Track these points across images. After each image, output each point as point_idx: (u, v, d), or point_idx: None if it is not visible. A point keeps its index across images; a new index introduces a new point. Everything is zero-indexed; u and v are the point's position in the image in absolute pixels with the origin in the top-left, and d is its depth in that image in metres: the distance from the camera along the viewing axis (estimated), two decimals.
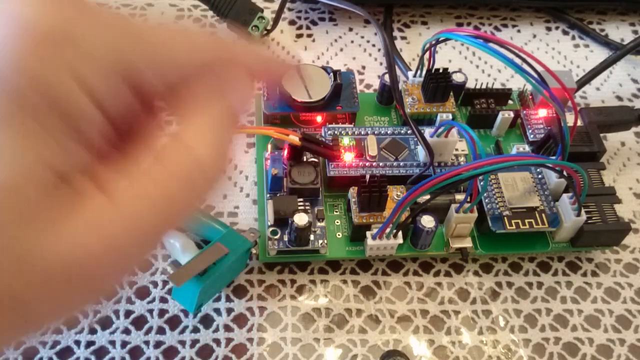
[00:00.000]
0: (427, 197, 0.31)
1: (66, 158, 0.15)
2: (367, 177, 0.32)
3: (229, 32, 0.44)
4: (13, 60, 0.15)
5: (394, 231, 0.32)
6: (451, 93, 0.37)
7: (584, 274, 0.35)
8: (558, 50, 0.46)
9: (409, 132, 0.36)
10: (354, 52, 0.44)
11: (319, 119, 0.37)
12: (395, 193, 0.33)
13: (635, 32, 0.47)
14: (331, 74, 0.37)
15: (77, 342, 0.31)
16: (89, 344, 0.31)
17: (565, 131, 0.32)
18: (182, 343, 0.32)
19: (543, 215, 0.33)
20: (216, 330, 0.32)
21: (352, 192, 0.33)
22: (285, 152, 0.34)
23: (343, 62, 0.44)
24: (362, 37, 0.45)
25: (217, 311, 0.33)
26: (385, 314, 0.33)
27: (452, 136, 0.34)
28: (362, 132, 0.35)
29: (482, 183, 0.32)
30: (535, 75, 0.29)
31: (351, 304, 0.33)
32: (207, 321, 0.32)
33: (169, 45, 0.18)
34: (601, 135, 0.37)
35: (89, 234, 0.15)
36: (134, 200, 0.16)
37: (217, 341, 0.32)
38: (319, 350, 0.32)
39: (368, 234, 0.32)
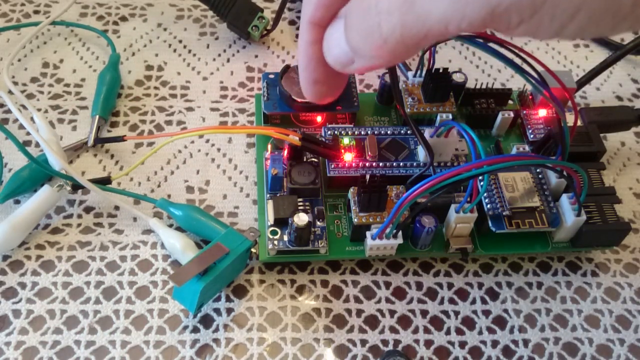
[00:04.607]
0: (427, 197, 0.31)
1: None
2: (367, 177, 0.32)
3: (228, 32, 0.44)
4: None
5: (394, 231, 0.32)
6: (451, 93, 0.37)
7: (584, 274, 0.35)
8: (558, 50, 0.46)
9: (409, 132, 0.36)
10: None
11: (319, 119, 0.37)
12: (395, 193, 0.33)
13: (635, 32, 0.47)
14: None
15: (77, 342, 0.31)
16: (89, 344, 0.31)
17: (565, 131, 0.32)
18: (182, 343, 0.32)
19: (543, 215, 0.33)
20: (216, 330, 0.32)
21: (352, 192, 0.33)
22: (285, 152, 0.34)
23: None
24: None
25: (217, 311, 0.33)
26: (385, 314, 0.33)
27: (452, 136, 0.34)
28: (362, 132, 0.35)
29: (482, 183, 0.32)
30: (535, 75, 0.29)
31: (351, 304, 0.33)
32: (207, 321, 0.32)
33: None
34: (601, 135, 0.37)
35: None
36: None
37: (217, 341, 0.32)
38: (319, 350, 0.32)
39: (368, 234, 0.32)
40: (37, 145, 0.38)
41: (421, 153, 0.35)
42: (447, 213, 0.33)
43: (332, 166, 0.34)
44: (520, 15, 0.16)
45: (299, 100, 0.36)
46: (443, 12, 0.16)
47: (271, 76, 0.38)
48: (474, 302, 0.34)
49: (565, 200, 0.33)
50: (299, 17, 0.46)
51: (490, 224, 0.33)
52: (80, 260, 0.34)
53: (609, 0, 0.15)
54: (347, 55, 0.19)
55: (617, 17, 0.16)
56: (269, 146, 0.36)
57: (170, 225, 0.35)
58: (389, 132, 0.36)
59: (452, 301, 0.34)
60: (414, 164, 0.35)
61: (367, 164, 0.34)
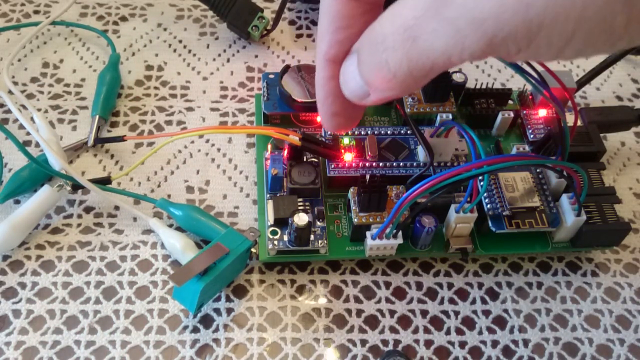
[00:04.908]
0: (427, 197, 0.31)
1: None
2: (367, 177, 0.32)
3: (228, 32, 0.44)
4: None
5: (394, 231, 0.32)
6: (451, 93, 0.37)
7: (584, 274, 0.35)
8: None
9: (409, 132, 0.36)
10: None
11: (319, 119, 0.37)
12: (395, 193, 0.33)
13: (634, 47, 0.47)
14: None
15: (77, 342, 0.31)
16: (89, 344, 0.31)
17: (565, 131, 0.32)
18: (182, 343, 0.32)
19: (543, 215, 0.33)
20: (216, 330, 0.32)
21: (352, 192, 0.33)
22: (285, 152, 0.34)
23: None
24: None
25: (217, 311, 0.33)
26: (385, 314, 0.33)
27: (452, 136, 0.34)
28: (362, 132, 0.35)
29: (482, 183, 0.32)
30: (535, 75, 0.29)
31: (351, 304, 0.33)
32: (207, 321, 0.32)
33: None
34: (601, 135, 0.37)
35: None
36: None
37: (217, 341, 0.32)
38: (319, 350, 0.32)
39: (368, 234, 0.32)
40: (37, 145, 0.38)
41: (421, 153, 0.35)
42: (447, 213, 0.33)
43: (332, 166, 0.34)
44: (517, 45, 0.16)
45: (299, 100, 0.36)
46: (444, 46, 0.17)
47: (271, 76, 0.38)
48: (474, 302, 0.34)
49: (565, 200, 0.33)
50: (299, 17, 0.46)
51: (490, 224, 0.33)
52: (80, 260, 0.34)
53: (602, 23, 0.16)
54: (363, 89, 0.20)
55: (613, 37, 0.16)
56: (269, 146, 0.36)
57: (170, 225, 0.35)
58: (389, 132, 0.36)
59: (452, 301, 0.34)
60: (414, 164, 0.35)
61: (367, 164, 0.34)
